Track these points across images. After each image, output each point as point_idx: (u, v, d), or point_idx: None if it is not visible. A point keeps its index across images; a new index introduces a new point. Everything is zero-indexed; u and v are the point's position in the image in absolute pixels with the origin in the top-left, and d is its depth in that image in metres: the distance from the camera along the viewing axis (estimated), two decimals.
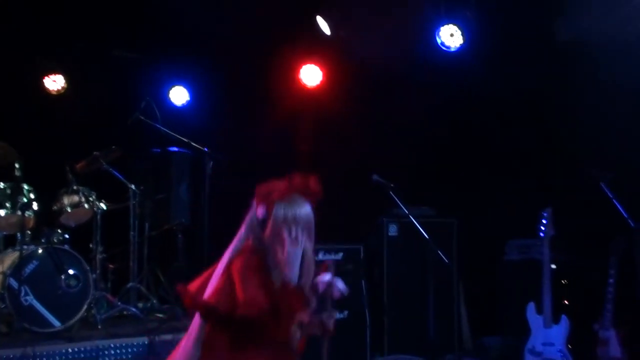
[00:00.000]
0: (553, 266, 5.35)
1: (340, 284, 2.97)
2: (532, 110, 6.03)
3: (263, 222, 2.87)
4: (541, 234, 5.32)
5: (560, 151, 5.83)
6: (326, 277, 2.96)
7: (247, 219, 2.92)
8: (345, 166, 6.69)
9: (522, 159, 6.12)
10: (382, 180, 5.89)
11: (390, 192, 5.91)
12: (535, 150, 6.05)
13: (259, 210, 2.88)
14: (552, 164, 5.91)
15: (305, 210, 2.92)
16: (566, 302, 5.50)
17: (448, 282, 6.27)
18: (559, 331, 5.15)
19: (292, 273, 2.85)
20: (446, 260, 5.76)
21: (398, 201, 5.89)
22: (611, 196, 5.13)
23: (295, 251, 2.85)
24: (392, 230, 6.25)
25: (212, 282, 2.84)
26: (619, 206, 5.12)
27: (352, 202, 6.49)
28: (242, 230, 2.91)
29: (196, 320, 2.80)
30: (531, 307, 5.29)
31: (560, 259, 5.50)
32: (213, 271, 2.89)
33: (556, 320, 5.19)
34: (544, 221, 5.32)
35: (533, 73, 6.09)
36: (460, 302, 6.45)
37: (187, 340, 2.81)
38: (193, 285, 2.90)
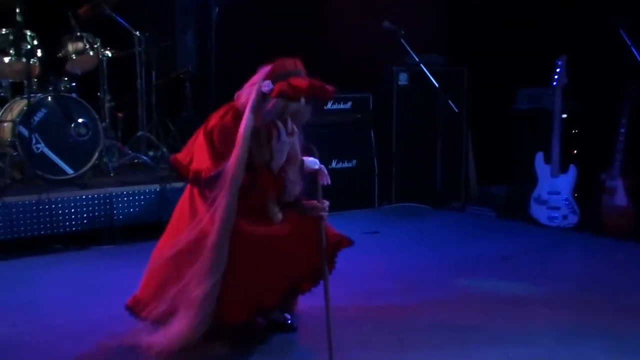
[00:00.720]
0: (564, 115, 5.32)
1: (325, 170, 2.99)
2: None
3: (264, 96, 2.83)
4: (554, 83, 5.25)
5: None
6: (314, 164, 2.96)
7: (256, 84, 2.86)
8: (356, 12, 6.49)
9: (536, 4, 5.90)
10: (393, 26, 5.74)
11: (401, 39, 5.77)
12: None
13: (265, 84, 2.82)
14: (568, 9, 5.71)
15: (308, 110, 2.90)
16: (575, 151, 5.51)
17: (457, 130, 6.28)
18: (566, 180, 5.20)
19: (278, 160, 2.90)
20: (455, 109, 5.73)
21: (408, 48, 5.77)
22: (629, 43, 5.00)
23: (287, 141, 2.88)
24: (402, 78, 6.16)
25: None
26: (636, 53, 4.99)
27: (361, 50, 6.36)
28: (251, 96, 2.84)
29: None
30: (539, 156, 5.32)
31: (571, 108, 5.45)
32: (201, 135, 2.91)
33: (564, 169, 5.23)
34: (557, 69, 5.23)
35: None
36: (468, 150, 6.48)
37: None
38: (184, 155, 2.95)
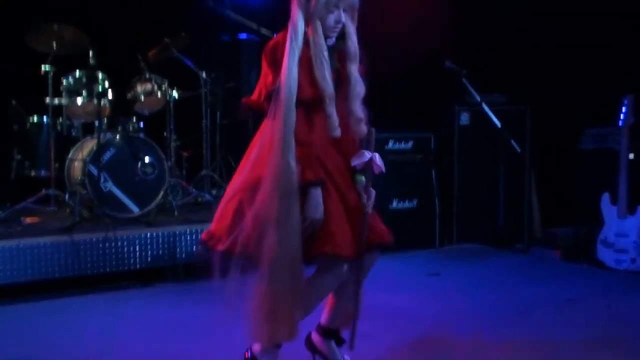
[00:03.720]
0: (631, 156, 5.20)
1: (378, 160, 2.86)
2: None
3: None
4: (620, 122, 5.14)
5: None
6: (366, 155, 2.87)
7: None
8: (416, 52, 6.52)
9: (601, 41, 5.83)
10: (454, 66, 5.74)
11: (463, 79, 5.77)
12: (616, 32, 5.75)
13: None
14: (635, 46, 5.62)
15: None
16: None
17: (520, 171, 6.19)
18: (634, 222, 5.06)
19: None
20: (518, 149, 5.66)
21: (470, 88, 5.76)
22: None
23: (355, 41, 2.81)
24: (464, 118, 6.14)
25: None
26: None
27: (422, 90, 6.37)
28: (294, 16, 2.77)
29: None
30: (606, 197, 5.20)
31: (638, 148, 5.32)
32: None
33: (631, 211, 5.09)
34: (624, 109, 5.13)
35: None
36: (531, 191, 6.38)
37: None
38: (256, 94, 2.86)
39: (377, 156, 2.87)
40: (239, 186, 2.81)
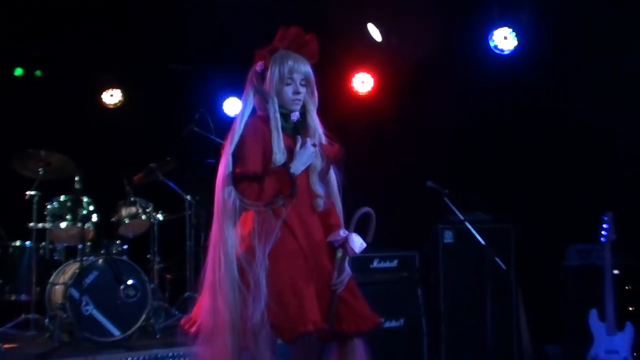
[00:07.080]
0: (616, 272, 5.20)
1: (352, 242, 2.84)
2: (590, 113, 5.89)
3: (262, 75, 2.87)
4: (602, 239, 5.18)
5: (622, 152, 5.68)
6: (341, 233, 2.87)
7: (248, 76, 2.92)
8: (399, 173, 6.65)
9: (581, 160, 5.98)
10: (436, 186, 5.82)
11: (445, 198, 5.83)
12: (595, 151, 5.91)
13: (257, 65, 2.88)
14: (613, 164, 5.77)
15: (302, 63, 2.89)
16: (631, 308, 5.33)
17: (506, 288, 6.14)
18: (624, 338, 4.99)
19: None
20: (503, 267, 5.65)
21: (453, 207, 5.81)
22: None
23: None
24: (448, 236, 6.16)
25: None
26: None
27: (406, 209, 6.44)
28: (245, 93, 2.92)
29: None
30: (593, 313, 5.15)
31: (623, 264, 5.34)
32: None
33: (620, 327, 5.04)
34: (604, 225, 5.17)
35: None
36: (519, 308, 6.31)
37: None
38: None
39: (352, 237, 2.84)
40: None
